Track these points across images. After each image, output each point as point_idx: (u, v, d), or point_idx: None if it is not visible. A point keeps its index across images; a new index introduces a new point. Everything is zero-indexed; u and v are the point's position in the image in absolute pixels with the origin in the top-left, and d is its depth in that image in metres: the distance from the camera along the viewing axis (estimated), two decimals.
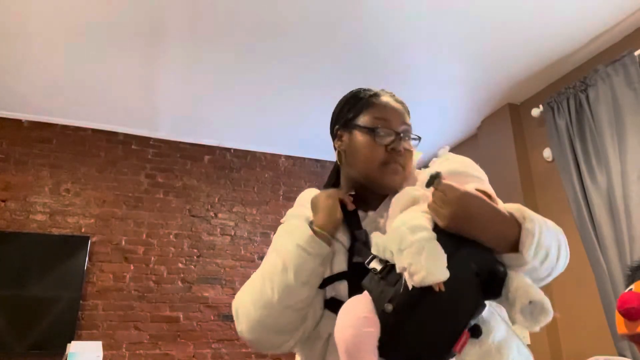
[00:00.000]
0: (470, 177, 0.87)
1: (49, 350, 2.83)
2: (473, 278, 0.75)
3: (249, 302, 0.91)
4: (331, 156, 4.36)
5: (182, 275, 3.36)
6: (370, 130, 0.97)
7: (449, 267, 0.69)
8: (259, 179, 3.85)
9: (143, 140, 3.59)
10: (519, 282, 0.76)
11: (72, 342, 2.47)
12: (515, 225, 0.80)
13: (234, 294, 3.64)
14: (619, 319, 1.45)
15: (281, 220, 1.05)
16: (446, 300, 0.71)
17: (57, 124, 3.40)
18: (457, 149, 3.80)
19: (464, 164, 0.90)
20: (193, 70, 2.85)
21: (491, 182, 0.93)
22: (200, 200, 3.60)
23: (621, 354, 2.16)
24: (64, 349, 2.44)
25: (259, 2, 2.30)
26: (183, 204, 3.54)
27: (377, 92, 1.03)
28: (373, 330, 0.72)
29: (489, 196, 0.81)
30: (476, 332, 0.77)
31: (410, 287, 0.70)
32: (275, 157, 3.97)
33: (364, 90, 1.05)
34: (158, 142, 3.64)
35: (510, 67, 2.82)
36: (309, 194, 1.05)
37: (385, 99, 1.02)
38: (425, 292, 0.68)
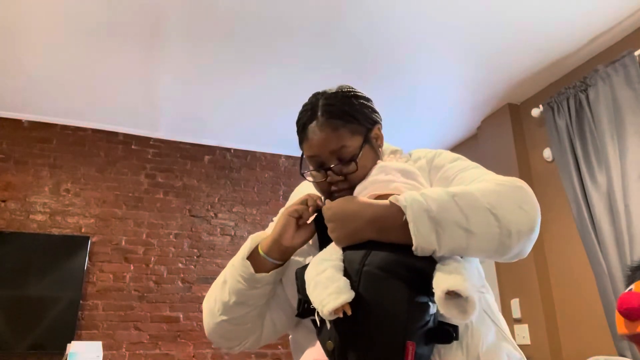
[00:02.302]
0: (410, 175, 0.86)
1: (49, 350, 2.83)
2: (392, 284, 0.72)
3: (205, 305, 0.97)
4: None
5: (182, 275, 3.36)
6: (302, 174, 0.97)
7: (358, 285, 0.71)
8: (259, 179, 3.85)
9: (143, 140, 3.59)
10: (439, 273, 0.71)
11: (72, 342, 2.47)
12: (400, 214, 0.74)
13: None
14: (619, 319, 1.45)
15: (273, 219, 1.05)
16: (372, 317, 0.70)
17: (57, 124, 3.40)
18: (457, 149, 3.80)
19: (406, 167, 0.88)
20: (193, 70, 2.85)
21: None
22: (200, 200, 3.60)
23: (621, 354, 2.16)
24: (64, 349, 2.44)
25: (260, 2, 2.30)
26: (183, 204, 3.54)
27: (303, 121, 0.94)
28: None
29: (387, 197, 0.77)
30: (445, 336, 0.74)
31: (328, 322, 0.72)
32: (275, 157, 3.97)
33: (298, 118, 0.97)
34: (158, 142, 3.64)
35: (510, 67, 2.82)
36: (306, 188, 1.05)
37: (309, 128, 0.92)
38: (343, 320, 0.69)
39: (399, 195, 0.77)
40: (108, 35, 2.52)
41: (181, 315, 3.27)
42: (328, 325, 0.73)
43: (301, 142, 0.95)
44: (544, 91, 3.00)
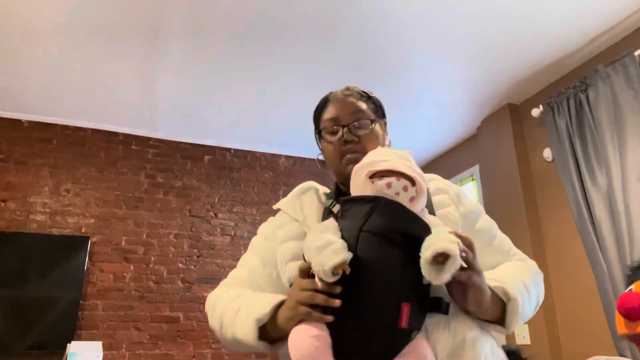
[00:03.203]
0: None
1: (49, 350, 2.83)
2: (387, 247, 0.75)
3: (210, 315, 1.02)
4: None
5: (182, 275, 3.36)
6: (318, 135, 1.07)
7: (355, 248, 0.74)
8: (259, 179, 3.85)
9: (143, 140, 3.60)
10: (429, 236, 0.75)
11: (72, 342, 2.48)
12: (499, 304, 0.86)
13: None
14: (619, 319, 1.45)
15: (262, 230, 1.13)
16: (368, 280, 0.73)
17: (57, 124, 3.40)
18: (457, 149, 3.80)
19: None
20: (193, 70, 2.85)
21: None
22: (200, 200, 3.60)
23: (621, 354, 2.16)
24: (64, 349, 2.45)
25: (260, 2, 2.30)
26: (183, 204, 3.55)
27: (327, 96, 1.09)
28: (323, 335, 0.73)
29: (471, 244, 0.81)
30: (439, 306, 0.78)
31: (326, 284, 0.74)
32: (275, 157, 3.97)
33: (322, 98, 1.10)
34: (158, 142, 3.64)
35: (510, 67, 2.82)
36: (307, 194, 1.08)
37: (332, 97, 1.07)
38: (341, 281, 0.73)
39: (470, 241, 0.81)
40: (108, 36, 2.52)
41: (181, 315, 3.27)
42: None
43: (320, 112, 1.08)
44: (544, 91, 3.00)
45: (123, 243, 3.29)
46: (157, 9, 2.34)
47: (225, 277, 1.13)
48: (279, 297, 0.87)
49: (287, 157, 4.01)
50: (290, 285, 0.89)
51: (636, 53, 2.38)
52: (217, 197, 3.66)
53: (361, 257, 0.74)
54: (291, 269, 0.94)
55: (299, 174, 3.99)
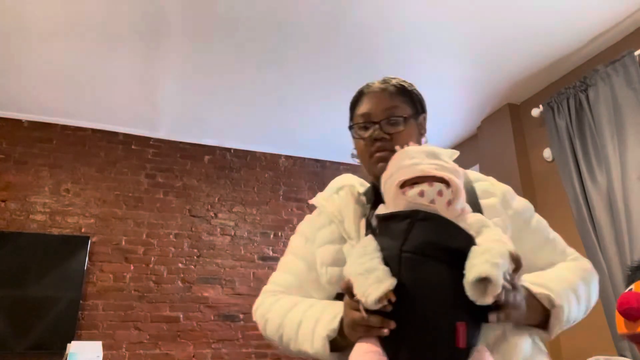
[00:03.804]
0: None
1: (49, 350, 2.83)
2: (433, 266, 0.71)
3: (268, 329, 1.00)
4: (331, 156, 4.37)
5: (182, 275, 3.36)
6: (352, 130, 1.02)
7: (399, 271, 0.71)
8: (259, 179, 3.85)
9: (143, 140, 3.59)
10: (472, 256, 0.70)
11: (72, 342, 2.47)
12: (542, 310, 0.84)
13: (234, 294, 3.64)
14: (619, 319, 1.45)
15: (299, 228, 1.10)
16: (417, 303, 0.70)
17: (57, 124, 3.40)
18: (457, 149, 3.79)
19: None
20: (193, 70, 2.85)
21: None
22: (200, 200, 3.60)
23: (621, 354, 2.16)
24: (64, 349, 2.44)
25: (259, 2, 2.30)
26: (183, 204, 3.54)
27: (362, 88, 1.05)
28: (378, 352, 0.72)
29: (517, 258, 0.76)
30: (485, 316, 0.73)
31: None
32: (275, 157, 3.97)
33: (357, 90, 1.06)
34: (158, 142, 3.64)
35: (510, 67, 2.82)
36: (342, 192, 1.03)
37: (367, 90, 1.03)
38: (391, 307, 0.70)
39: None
40: (108, 35, 2.52)
41: (181, 315, 3.27)
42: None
43: (355, 105, 1.04)
44: (544, 91, 3.00)
45: (123, 243, 3.29)
46: (157, 9, 2.34)
47: (225, 277, 1.12)
48: (338, 307, 0.83)
49: (287, 157, 4.01)
50: (331, 284, 0.91)
51: (636, 53, 2.38)
52: (217, 197, 3.66)
53: (406, 281, 0.70)
54: (331, 273, 0.92)
55: (299, 174, 3.99)
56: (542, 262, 0.93)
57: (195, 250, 3.46)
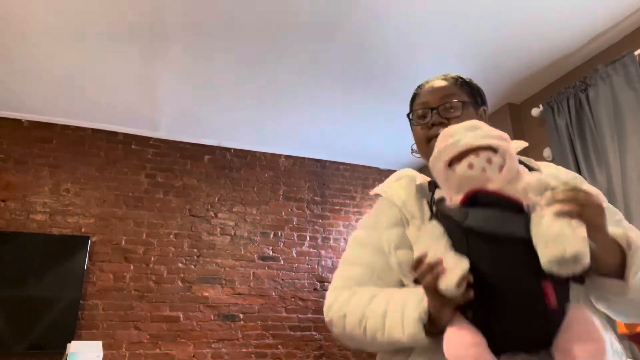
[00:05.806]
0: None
1: (49, 350, 2.82)
2: (502, 238, 0.70)
3: (349, 326, 0.91)
4: (331, 156, 4.35)
5: (182, 275, 3.36)
6: (410, 118, 1.05)
7: (468, 251, 0.70)
8: (259, 179, 3.85)
9: (143, 140, 3.59)
10: (540, 237, 0.67)
11: (72, 342, 2.47)
12: (618, 252, 0.76)
13: (234, 294, 3.63)
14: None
15: (360, 224, 1.07)
16: (494, 277, 0.69)
17: (57, 124, 3.40)
18: None
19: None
20: (193, 70, 2.85)
21: None
22: (200, 200, 3.60)
23: None
24: (64, 349, 2.44)
25: (260, 2, 2.30)
26: (183, 203, 3.54)
27: (421, 83, 1.09)
28: (479, 342, 0.70)
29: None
30: (574, 279, 0.71)
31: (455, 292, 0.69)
32: (275, 157, 3.97)
33: (417, 86, 1.11)
34: (158, 142, 3.64)
35: (510, 67, 2.82)
36: (402, 180, 1.02)
37: (426, 83, 1.08)
38: (473, 287, 0.69)
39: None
40: (108, 36, 2.52)
41: (181, 315, 3.27)
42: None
43: (414, 98, 1.07)
44: (544, 91, 3.00)
45: (123, 243, 3.29)
46: (157, 9, 2.34)
47: (225, 277, 1.11)
48: (422, 291, 0.80)
49: (287, 157, 4.01)
50: (400, 267, 0.90)
51: (636, 53, 2.37)
52: (217, 196, 3.66)
53: (479, 259, 0.70)
54: (400, 256, 0.92)
55: (299, 174, 3.99)
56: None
57: (195, 250, 3.46)
